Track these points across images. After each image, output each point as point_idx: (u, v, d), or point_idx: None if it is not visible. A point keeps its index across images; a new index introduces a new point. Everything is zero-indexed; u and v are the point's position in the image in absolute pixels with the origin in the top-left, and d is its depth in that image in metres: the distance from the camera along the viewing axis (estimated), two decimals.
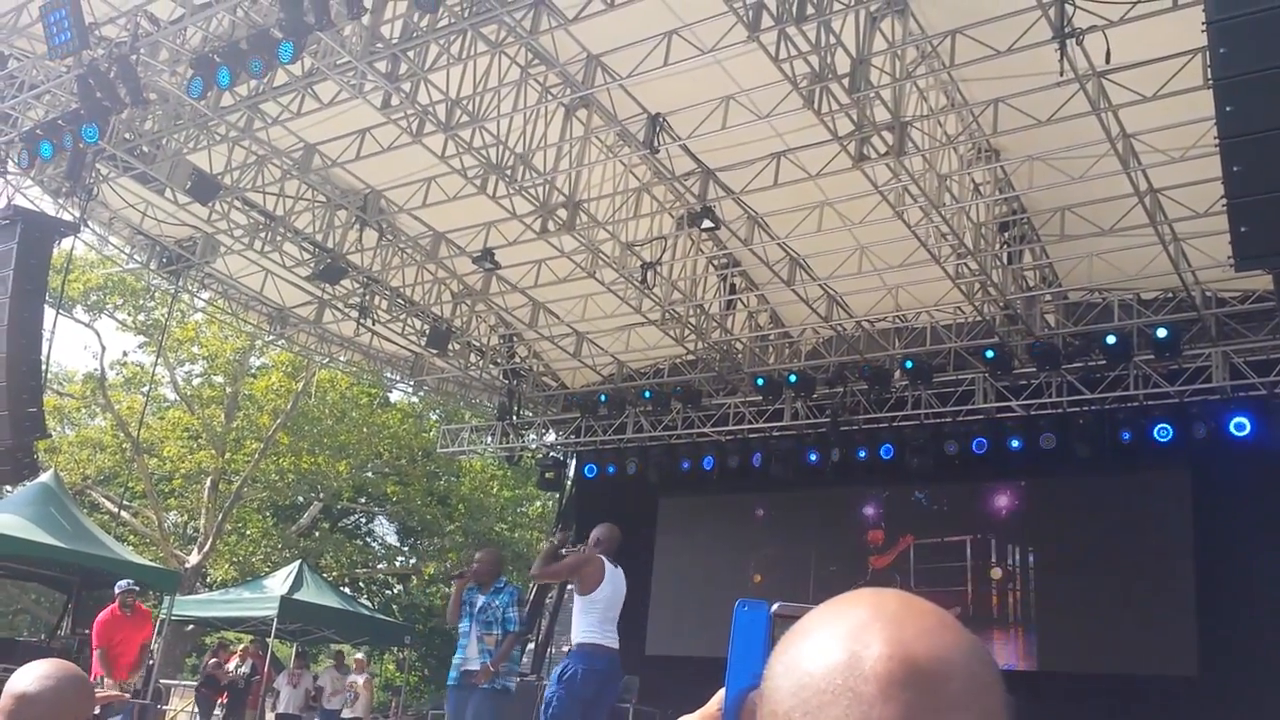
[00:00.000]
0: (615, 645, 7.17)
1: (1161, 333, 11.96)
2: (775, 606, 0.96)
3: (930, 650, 0.80)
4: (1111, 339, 12.22)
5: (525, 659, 14.05)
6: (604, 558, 7.28)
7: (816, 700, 0.79)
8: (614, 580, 7.25)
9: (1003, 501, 14.60)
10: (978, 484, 14.67)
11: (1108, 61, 8.48)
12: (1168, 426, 12.64)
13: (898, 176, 10.19)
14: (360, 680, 17.00)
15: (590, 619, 7.12)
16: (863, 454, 14.65)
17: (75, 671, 2.15)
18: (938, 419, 14.19)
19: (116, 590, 11.12)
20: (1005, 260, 12.03)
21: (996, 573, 14.33)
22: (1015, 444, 13.58)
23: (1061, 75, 8.34)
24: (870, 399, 14.57)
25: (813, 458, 15.06)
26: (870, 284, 13.17)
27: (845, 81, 9.01)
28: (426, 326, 15.24)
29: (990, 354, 12.93)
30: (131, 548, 21.30)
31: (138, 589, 11.05)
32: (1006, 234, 11.96)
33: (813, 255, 12.94)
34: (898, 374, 13.96)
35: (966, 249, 11.27)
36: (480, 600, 7.87)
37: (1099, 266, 12.03)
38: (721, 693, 0.97)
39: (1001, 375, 13.25)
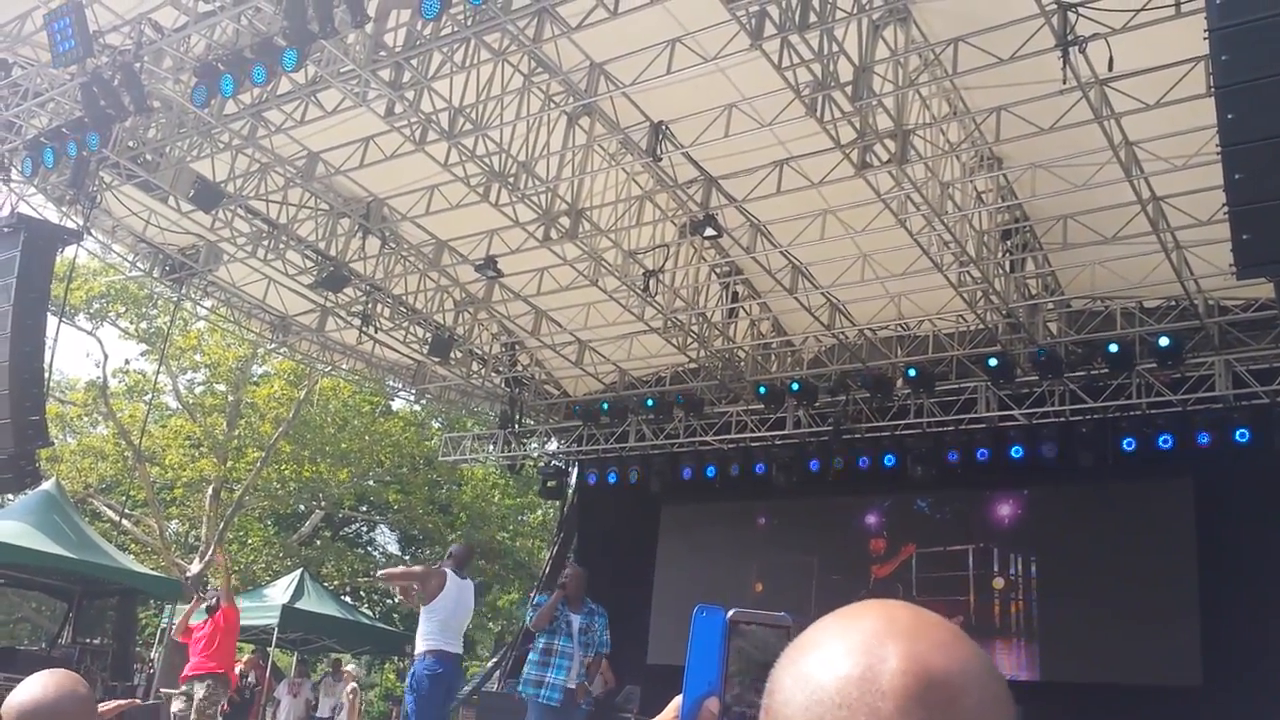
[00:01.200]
0: (456, 650, 8.29)
1: (1164, 341, 11.95)
2: (731, 613, 0.94)
3: (946, 665, 0.80)
4: (1114, 347, 12.21)
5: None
6: (450, 571, 8.31)
7: (832, 716, 0.79)
8: (459, 592, 8.27)
9: (1005, 510, 14.57)
10: (980, 493, 14.65)
11: (1110, 69, 8.49)
12: (1170, 435, 12.62)
13: (900, 184, 10.19)
14: (346, 689, 16.94)
15: (431, 626, 8.11)
16: (865, 462, 14.62)
17: (76, 684, 2.14)
18: (940, 427, 14.16)
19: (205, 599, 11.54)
20: (1008, 268, 12.03)
21: (999, 582, 14.30)
22: (1017, 453, 13.55)
23: (1064, 83, 8.35)
24: (872, 407, 14.56)
25: (815, 466, 15.03)
26: (873, 292, 13.16)
27: (848, 89, 9.02)
28: (429, 334, 15.25)
29: (993, 362, 12.93)
30: (133, 556, 21.27)
31: (217, 595, 11.23)
32: (1009, 242, 11.96)
33: (815, 263, 12.94)
34: (900, 382, 13.95)
35: (969, 257, 11.28)
36: (577, 621, 8.08)
37: (1101, 275, 12.03)
38: (678, 699, 0.96)
39: (1004, 384, 13.23)
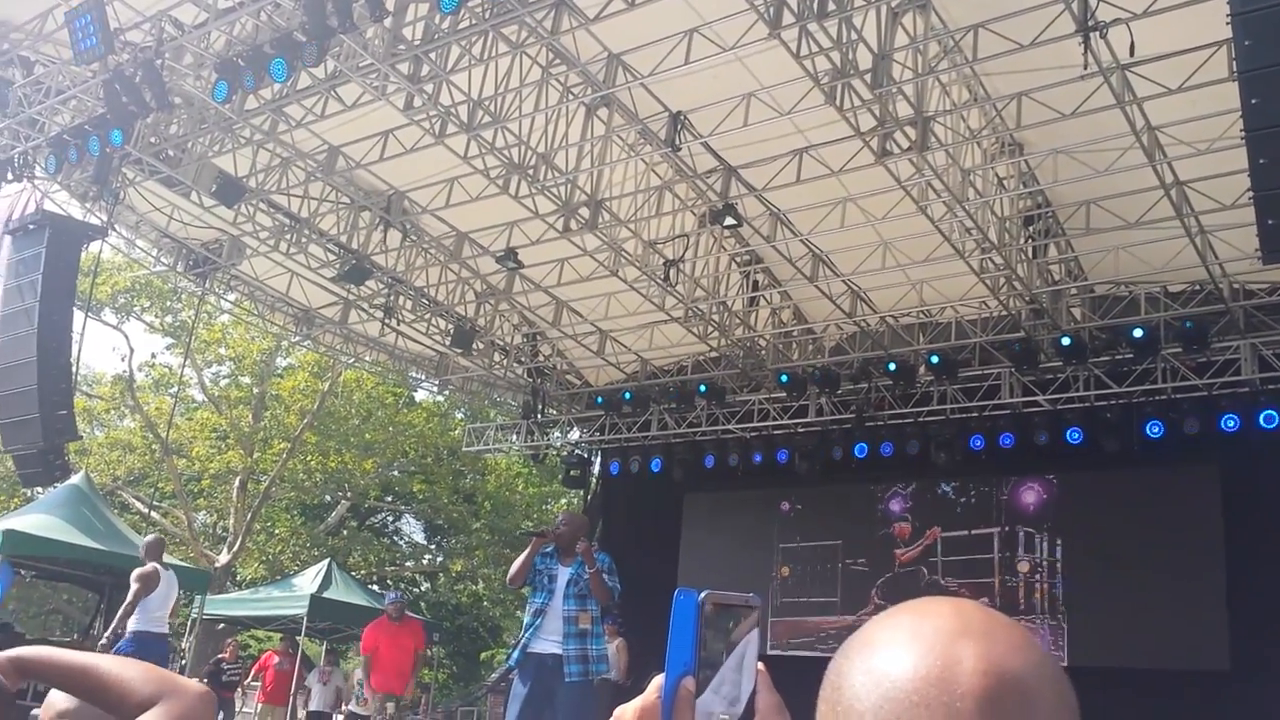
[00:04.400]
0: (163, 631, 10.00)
1: (1189, 326, 11.86)
2: (703, 594, 0.96)
3: (1022, 667, 0.80)
4: (1138, 332, 12.13)
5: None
6: (157, 565, 9.87)
7: (909, 714, 0.79)
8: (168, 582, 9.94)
9: (1030, 496, 14.50)
10: (1004, 478, 14.60)
11: (1132, 54, 8.40)
12: (1196, 420, 12.53)
13: (921, 172, 10.14)
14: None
15: (141, 613, 9.66)
16: (888, 449, 14.60)
17: None
18: (963, 414, 14.12)
19: (386, 601, 11.61)
20: (1030, 254, 11.96)
21: (1024, 565, 14.26)
22: (1042, 438, 13.49)
23: (1085, 68, 8.27)
24: (895, 394, 14.52)
25: (837, 453, 15.02)
26: (894, 279, 13.11)
27: (867, 77, 8.98)
28: (451, 326, 15.30)
29: (1016, 348, 12.87)
30: None
31: (405, 600, 11.32)
32: (1031, 228, 11.88)
33: (836, 251, 12.91)
34: (923, 369, 13.91)
35: (991, 243, 11.22)
36: (566, 572, 6.88)
37: (1125, 260, 11.94)
38: (660, 678, 0.99)
39: (1028, 370, 13.16)
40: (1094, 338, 12.78)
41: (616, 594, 6.94)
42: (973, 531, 14.77)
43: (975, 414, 14.02)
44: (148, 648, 9.60)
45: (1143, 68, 8.80)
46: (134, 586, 9.79)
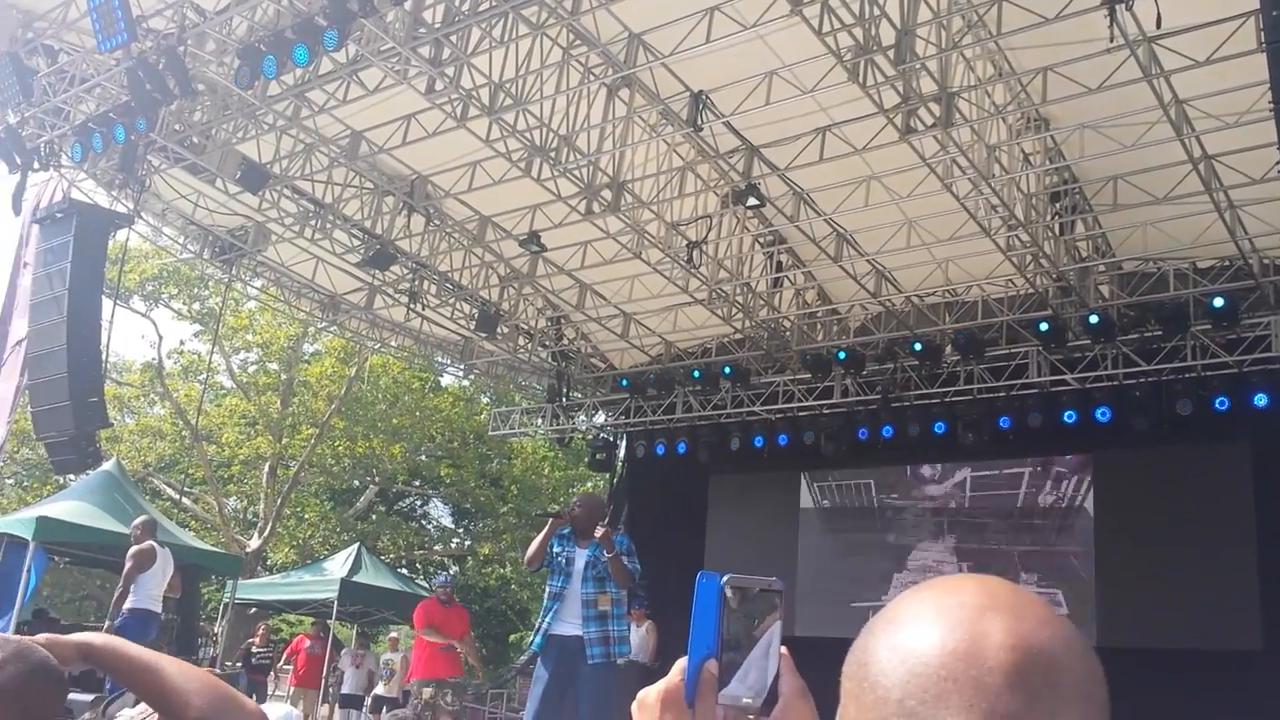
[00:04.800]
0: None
1: (1219, 301, 11.72)
2: (726, 578, 0.97)
3: (1050, 641, 0.80)
4: (1167, 309, 12.01)
5: None
6: (154, 544, 10.15)
7: (936, 689, 0.79)
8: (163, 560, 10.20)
9: (1058, 475, 14.40)
10: (1032, 458, 14.50)
11: (1158, 26, 8.27)
12: (1226, 397, 12.40)
13: (945, 148, 10.04)
14: (397, 659, 17.09)
15: (139, 590, 9.90)
16: (915, 430, 14.52)
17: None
18: (991, 393, 14.02)
19: (435, 584, 11.71)
20: (1057, 231, 11.85)
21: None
22: (1070, 418, 13.39)
23: (1111, 41, 8.16)
24: (921, 374, 14.44)
25: (863, 434, 14.97)
26: (919, 258, 13.02)
27: (890, 53, 8.89)
28: (475, 310, 15.34)
29: (1043, 327, 12.76)
30: (193, 533, 21.74)
31: (452, 584, 11.42)
32: (1058, 204, 11.76)
33: (860, 230, 12.83)
34: (949, 349, 13.82)
35: (1017, 220, 11.11)
36: (584, 555, 6.83)
37: (1153, 235, 11.81)
38: (683, 661, 0.99)
39: (1055, 348, 13.06)
40: (1122, 315, 12.67)
41: (636, 576, 6.90)
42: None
43: (1003, 393, 13.93)
44: (144, 624, 9.87)
45: (1170, 40, 8.67)
46: (128, 565, 10.01)
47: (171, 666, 1.90)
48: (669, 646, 14.40)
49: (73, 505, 14.74)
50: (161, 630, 11.50)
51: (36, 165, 12.15)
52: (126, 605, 9.94)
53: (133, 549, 10.19)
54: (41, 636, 1.93)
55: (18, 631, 11.17)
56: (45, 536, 13.79)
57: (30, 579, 13.78)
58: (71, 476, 16.50)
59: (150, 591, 10.11)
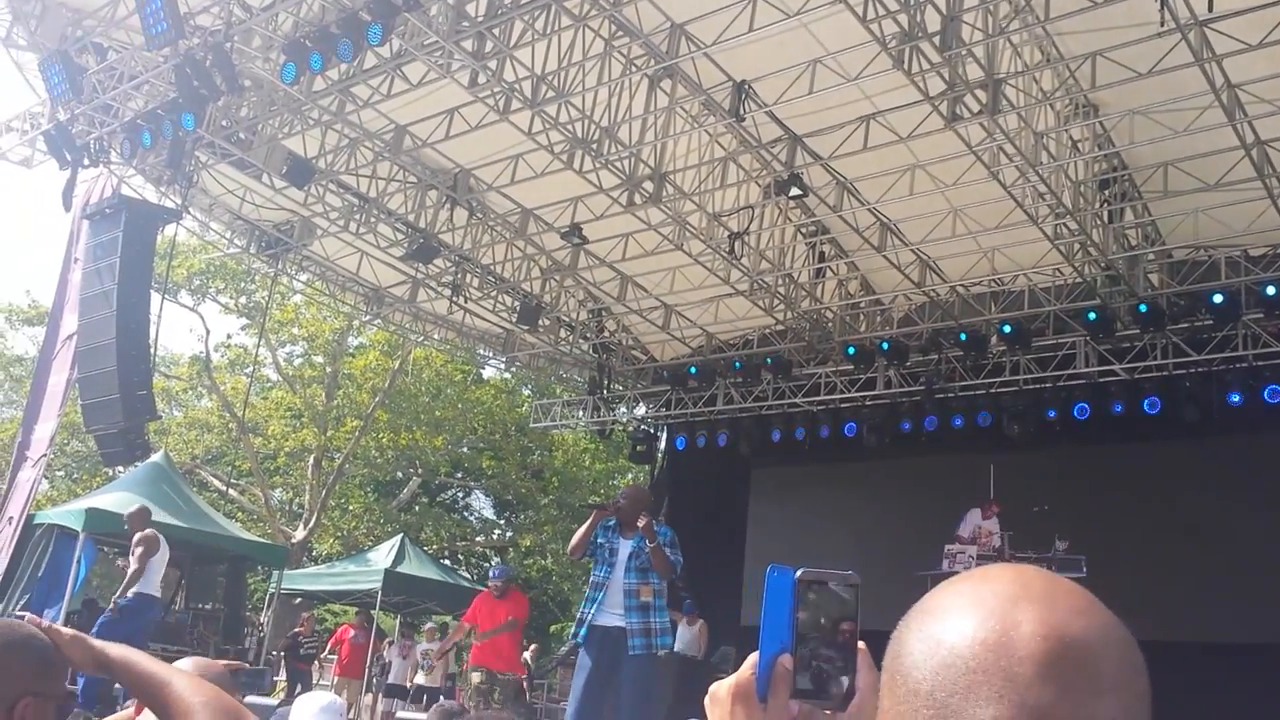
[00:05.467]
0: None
1: (1271, 290, 11.49)
2: (800, 572, 0.95)
3: (1084, 631, 0.78)
4: (1218, 298, 11.80)
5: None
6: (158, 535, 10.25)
7: (965, 681, 0.77)
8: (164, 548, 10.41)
9: (1106, 466, 14.20)
10: (1079, 450, 14.31)
11: (1210, 9, 8.13)
12: (1278, 387, 12.18)
13: (992, 136, 9.93)
14: (434, 649, 17.21)
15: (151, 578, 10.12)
16: (959, 422, 14.40)
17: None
18: (1037, 384, 13.88)
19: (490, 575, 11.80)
20: (1106, 219, 11.67)
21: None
22: (1118, 409, 13.21)
23: (1162, 25, 8.04)
24: (966, 365, 14.30)
25: (907, 426, 14.86)
26: (965, 247, 12.90)
27: (936, 40, 8.79)
28: (517, 303, 15.40)
29: (1092, 316, 12.59)
30: (240, 524, 22.01)
31: (504, 575, 11.37)
32: (1107, 192, 11.59)
33: (904, 220, 12.73)
34: (995, 339, 13.68)
35: (1065, 208, 10.96)
36: (628, 546, 6.84)
37: (1204, 223, 11.61)
38: (754, 656, 0.97)
39: (1103, 338, 12.89)
40: (1172, 304, 12.47)
41: (679, 568, 6.91)
42: (1045, 505, 14.51)
43: (1049, 384, 13.78)
44: (148, 608, 10.16)
45: (1221, 23, 8.50)
46: (139, 550, 10.12)
47: (180, 681, 1.95)
48: (713, 638, 14.41)
49: (122, 497, 14.93)
50: (163, 615, 11.70)
51: (86, 162, 12.33)
52: (132, 592, 10.08)
53: (141, 534, 10.27)
54: (67, 631, 1.99)
55: (67, 621, 11.39)
56: (94, 528, 14.00)
57: (80, 570, 14.01)
58: (120, 469, 16.74)
59: (152, 578, 10.26)
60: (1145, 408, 12.97)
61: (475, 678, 10.93)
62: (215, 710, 1.89)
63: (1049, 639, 0.77)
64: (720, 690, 0.99)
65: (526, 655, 12.31)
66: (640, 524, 6.78)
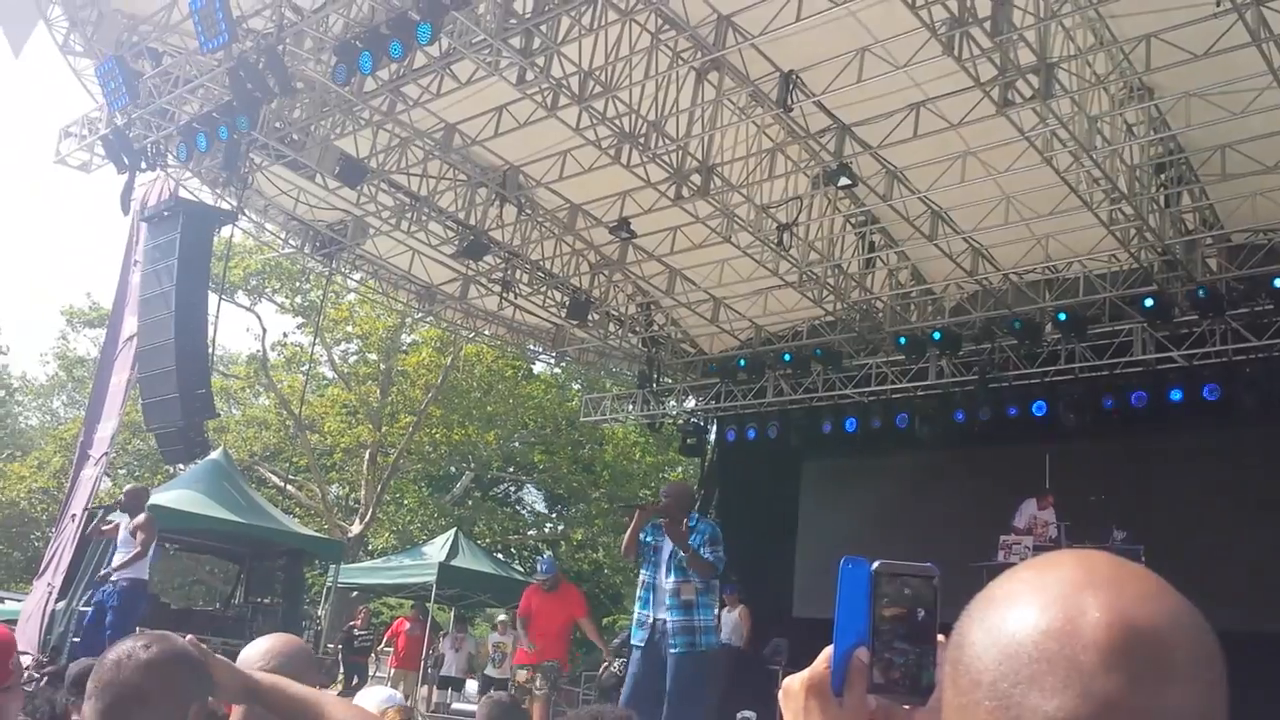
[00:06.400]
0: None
1: None
2: (876, 564, 0.93)
3: (1153, 617, 0.75)
4: (1279, 282, 11.57)
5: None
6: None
7: (1029, 670, 0.75)
8: None
9: (1165, 455, 13.96)
10: (1137, 439, 14.09)
11: None
12: None
13: (1045, 121, 9.79)
14: (509, 641, 17.32)
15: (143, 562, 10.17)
16: (1013, 411, 14.23)
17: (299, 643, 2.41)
18: (1093, 372, 13.68)
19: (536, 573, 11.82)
20: (1162, 203, 11.48)
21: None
22: (1177, 396, 13.00)
23: (1218, 5, 7.90)
24: (1020, 354, 14.13)
25: (960, 416, 14.72)
26: (1018, 234, 12.75)
27: (986, 25, 8.70)
28: (566, 298, 15.46)
29: (1149, 303, 12.38)
30: (297, 520, 22.33)
31: (552, 570, 11.20)
32: (1163, 176, 11.41)
33: (955, 208, 12.60)
34: (1049, 327, 13.51)
35: (1120, 193, 10.80)
36: (669, 545, 6.80)
37: (1264, 206, 11.38)
38: (829, 650, 0.95)
39: (1161, 325, 12.67)
40: (1231, 289, 12.23)
41: (720, 566, 6.87)
42: (1102, 495, 14.31)
43: (1106, 372, 13.58)
44: (144, 592, 10.34)
45: (1279, 2, 8.34)
46: (143, 535, 10.20)
47: (332, 704, 1.98)
48: (757, 630, 14.35)
49: (182, 494, 15.22)
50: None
51: (144, 165, 12.56)
52: (128, 575, 10.15)
53: (143, 519, 10.32)
54: (223, 660, 2.02)
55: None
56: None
57: None
58: (180, 466, 17.05)
59: (145, 561, 10.37)
60: (1205, 394, 12.74)
61: (521, 675, 11.00)
62: None
63: (1116, 625, 0.74)
64: (794, 685, 0.97)
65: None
66: (671, 532, 6.70)
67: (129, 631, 8.23)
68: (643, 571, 6.98)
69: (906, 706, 0.91)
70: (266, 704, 2.01)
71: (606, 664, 13.66)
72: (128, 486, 10.95)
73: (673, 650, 6.65)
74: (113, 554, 10.90)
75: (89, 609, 11.25)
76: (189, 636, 2.00)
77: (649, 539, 6.92)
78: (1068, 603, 0.76)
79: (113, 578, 10.20)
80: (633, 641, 7.08)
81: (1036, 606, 0.77)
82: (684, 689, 6.64)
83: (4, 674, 2.02)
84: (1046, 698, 0.73)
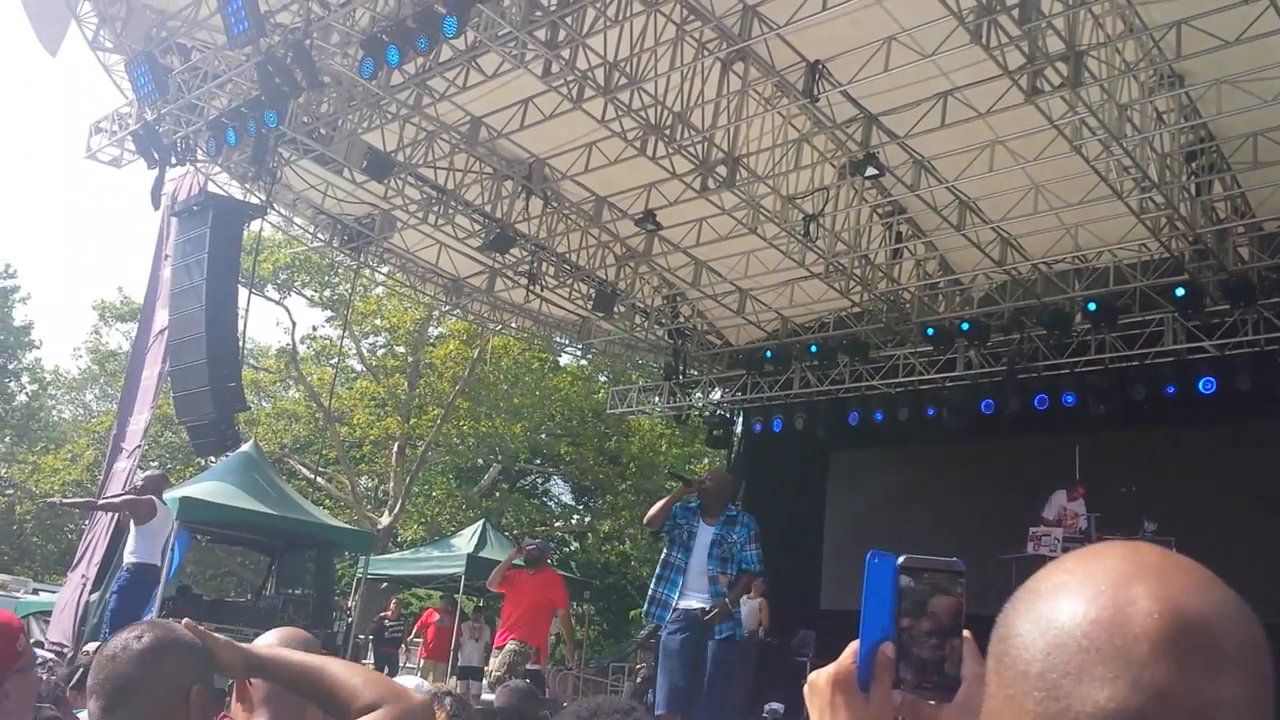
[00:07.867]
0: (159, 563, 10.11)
1: None
2: (902, 559, 0.93)
3: (1201, 607, 0.75)
4: None
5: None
6: (155, 499, 9.87)
7: (1078, 660, 0.75)
8: (165, 516, 10.11)
9: (1195, 446, 13.84)
10: (1167, 429, 13.97)
11: None
12: None
13: (1074, 109, 9.71)
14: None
15: (143, 544, 9.81)
16: (1043, 402, 14.14)
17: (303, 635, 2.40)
18: (1123, 363, 13.57)
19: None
20: (1193, 192, 11.36)
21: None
22: (1208, 386, 12.87)
23: None
24: (1049, 344, 14.04)
25: (988, 407, 14.64)
26: (1047, 224, 12.65)
27: (1015, 13, 8.63)
28: (592, 290, 15.48)
29: (1179, 292, 12.26)
30: (327, 511, 22.47)
31: (539, 548, 10.45)
32: (1194, 164, 11.28)
33: (984, 197, 12.52)
34: (1079, 317, 13.40)
35: (1151, 182, 10.69)
36: (709, 532, 6.78)
37: None
38: (854, 645, 0.95)
39: (1192, 314, 12.55)
40: (1263, 278, 12.10)
41: (759, 562, 6.88)
42: (1132, 487, 14.19)
43: (1136, 362, 13.46)
44: (152, 577, 10.12)
45: None
46: (130, 512, 9.96)
47: (334, 664, 1.99)
48: (784, 621, 14.33)
49: (214, 486, 15.33)
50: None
51: (173, 160, 12.66)
52: (134, 560, 9.98)
53: (130, 497, 10.12)
54: (222, 638, 2.04)
55: (162, 607, 11.68)
56: (188, 516, 14.36)
57: (175, 556, 14.40)
58: (212, 458, 17.19)
59: (152, 545, 10.11)
60: (1236, 385, 12.61)
61: (493, 663, 10.15)
62: (377, 685, 1.94)
63: (1165, 615, 0.74)
64: (820, 679, 0.97)
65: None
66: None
67: (135, 617, 8.27)
68: (668, 550, 6.94)
69: (932, 702, 0.91)
70: (270, 675, 2.03)
71: (641, 665, 13.36)
72: (145, 473, 10.76)
73: (718, 635, 6.66)
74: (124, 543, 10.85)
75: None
76: (185, 620, 2.03)
77: (681, 520, 6.88)
78: (1117, 593, 0.76)
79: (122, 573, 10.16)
80: (657, 621, 7.01)
81: (1085, 597, 0.77)
82: (725, 673, 6.67)
83: (11, 657, 2.04)
84: (1097, 688, 0.73)
